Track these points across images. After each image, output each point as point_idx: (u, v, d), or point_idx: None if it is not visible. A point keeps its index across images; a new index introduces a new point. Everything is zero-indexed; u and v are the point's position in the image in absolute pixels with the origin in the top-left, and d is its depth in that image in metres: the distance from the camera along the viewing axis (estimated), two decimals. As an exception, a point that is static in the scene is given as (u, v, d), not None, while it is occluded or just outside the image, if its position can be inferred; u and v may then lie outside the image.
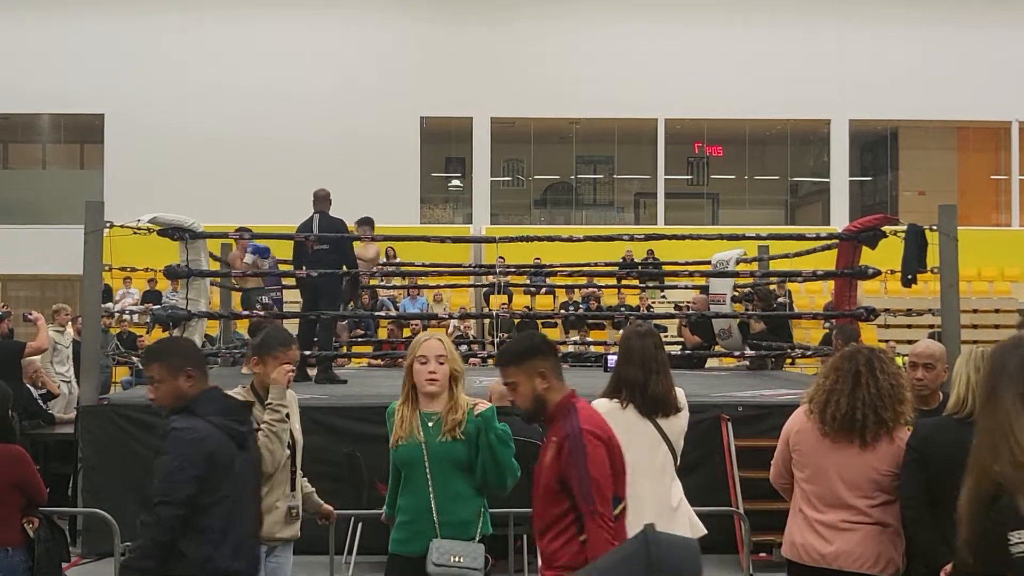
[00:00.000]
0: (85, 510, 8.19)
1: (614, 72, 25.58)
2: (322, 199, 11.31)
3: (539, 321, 19.69)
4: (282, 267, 12.99)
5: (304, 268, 10.87)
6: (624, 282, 18.19)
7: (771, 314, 13.00)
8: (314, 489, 5.60)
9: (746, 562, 7.55)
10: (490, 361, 11.45)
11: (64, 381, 13.12)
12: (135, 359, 15.46)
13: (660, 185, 27.08)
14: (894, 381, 4.47)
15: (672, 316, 13.97)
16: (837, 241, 11.34)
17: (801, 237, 12.11)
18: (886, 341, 17.89)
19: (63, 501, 8.99)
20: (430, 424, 4.64)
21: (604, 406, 5.08)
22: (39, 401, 10.75)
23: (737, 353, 12.58)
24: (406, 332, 18.04)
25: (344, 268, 10.87)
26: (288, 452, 5.03)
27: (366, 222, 12.53)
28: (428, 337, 4.60)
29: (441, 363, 4.51)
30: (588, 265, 14.13)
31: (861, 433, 4.43)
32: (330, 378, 10.81)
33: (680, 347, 13.73)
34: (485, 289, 19.33)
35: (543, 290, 21.29)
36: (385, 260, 19.85)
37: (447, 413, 4.56)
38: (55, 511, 7.24)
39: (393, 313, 18.02)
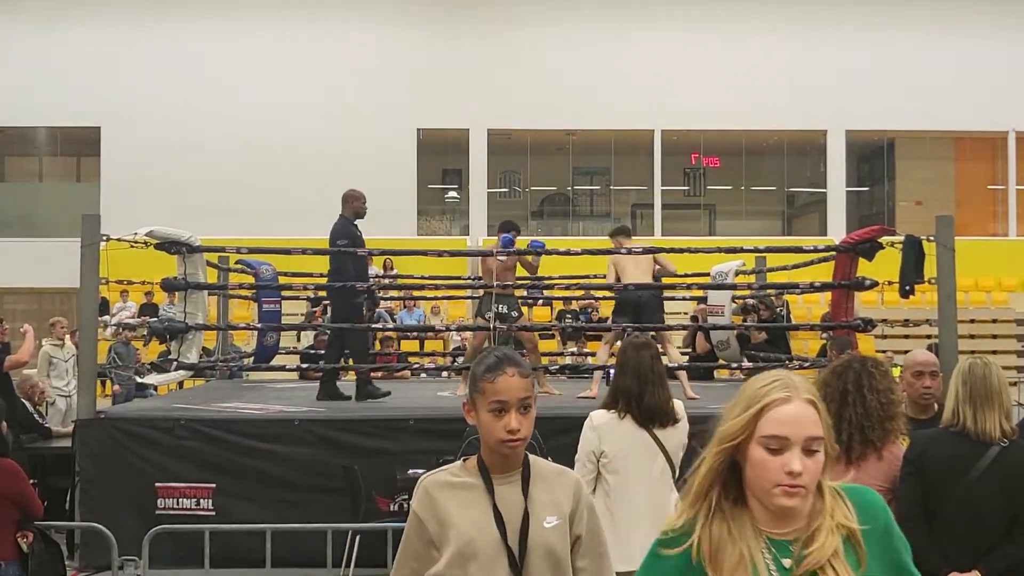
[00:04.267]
0: (82, 524, 8.17)
1: (610, 84, 25.63)
2: (342, 201, 10.81)
3: (536, 333, 19.66)
4: (283, 279, 12.98)
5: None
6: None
7: (769, 325, 13.01)
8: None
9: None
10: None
11: (61, 395, 13.11)
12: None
13: (657, 196, 27.11)
14: (884, 399, 4.39)
15: (671, 328, 13.97)
16: (834, 253, 11.33)
17: (799, 249, 12.11)
18: (884, 351, 17.89)
19: (61, 515, 8.98)
20: (785, 562, 2.32)
21: (602, 416, 5.10)
22: (35, 415, 10.73)
23: (735, 364, 12.58)
24: (405, 344, 18.02)
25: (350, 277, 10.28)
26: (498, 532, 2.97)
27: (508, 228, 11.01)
28: (784, 397, 2.28)
29: (814, 451, 2.27)
30: (585, 277, 14.10)
31: (846, 453, 4.38)
32: (369, 393, 10.30)
33: (688, 356, 13.76)
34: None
35: (540, 302, 21.28)
36: (382, 272, 19.87)
37: (814, 537, 2.31)
38: (52, 525, 7.23)
39: (391, 325, 18.00)
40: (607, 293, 16.84)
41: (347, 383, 11.08)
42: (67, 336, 13.43)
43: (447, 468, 3.07)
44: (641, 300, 10.52)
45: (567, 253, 11.58)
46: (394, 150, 25.57)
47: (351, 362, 10.89)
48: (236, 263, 13.06)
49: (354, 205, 10.63)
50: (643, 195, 28.21)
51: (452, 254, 13.50)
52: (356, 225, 10.60)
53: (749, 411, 2.28)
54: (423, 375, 14.99)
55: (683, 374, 10.79)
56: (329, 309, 18.61)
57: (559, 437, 7.78)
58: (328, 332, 11.55)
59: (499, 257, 10.63)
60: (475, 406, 3.04)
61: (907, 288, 9.83)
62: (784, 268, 12.97)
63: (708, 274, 13.02)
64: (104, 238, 9.14)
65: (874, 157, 28.90)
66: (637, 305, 10.52)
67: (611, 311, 11.34)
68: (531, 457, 3.10)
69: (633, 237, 11.60)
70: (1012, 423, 4.40)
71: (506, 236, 10.67)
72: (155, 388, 13.68)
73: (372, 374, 10.94)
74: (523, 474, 3.03)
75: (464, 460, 3.09)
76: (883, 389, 4.40)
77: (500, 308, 10.72)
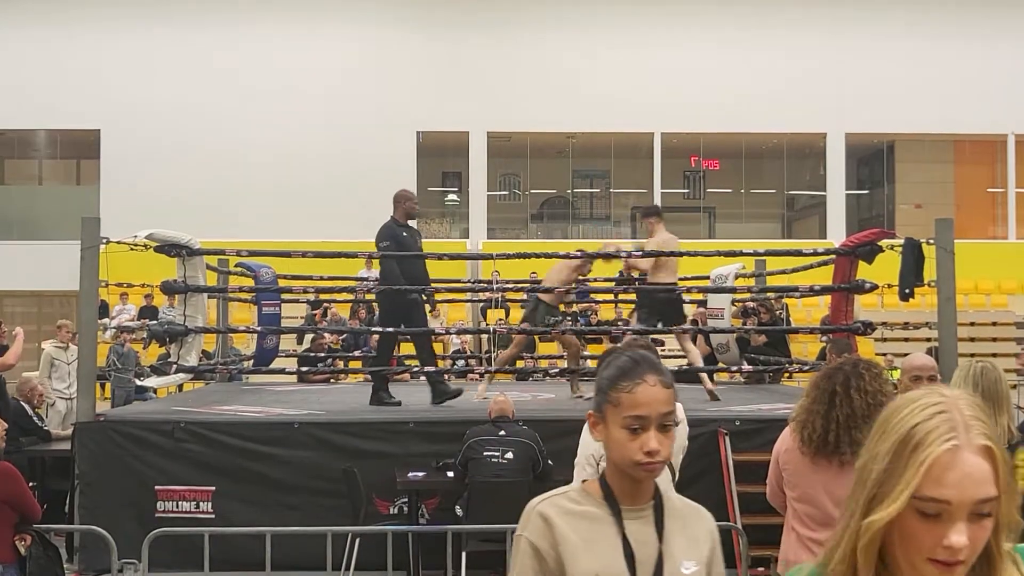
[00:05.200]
0: (82, 527, 8.17)
1: (610, 86, 25.63)
2: (393, 202, 10.50)
3: (536, 336, 19.63)
4: (283, 282, 12.97)
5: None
6: (621, 297, 18.19)
7: (769, 328, 13.01)
8: None
9: (744, 577, 7.53)
10: (488, 377, 11.40)
11: (61, 398, 13.11)
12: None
13: (656, 199, 27.00)
14: (872, 400, 4.34)
15: (670, 331, 13.97)
16: (834, 256, 11.34)
17: (798, 253, 12.12)
18: (884, 355, 17.89)
19: (60, 518, 8.97)
20: None
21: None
22: (35, 418, 10.72)
23: (735, 368, 12.58)
24: (404, 347, 17.96)
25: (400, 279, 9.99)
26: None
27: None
28: (950, 448, 1.65)
29: (984, 515, 1.67)
30: (585, 280, 14.10)
31: (838, 454, 4.36)
32: (442, 392, 10.15)
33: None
34: (482, 304, 19.31)
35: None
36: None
37: None
38: (52, 528, 7.22)
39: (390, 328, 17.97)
40: (607, 297, 16.88)
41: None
42: (71, 339, 13.42)
43: (563, 492, 2.54)
44: (672, 299, 10.77)
45: (567, 256, 11.59)
46: (394, 153, 25.54)
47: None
48: (236, 266, 13.06)
49: (405, 206, 10.35)
50: (643, 198, 28.15)
51: (452, 257, 13.47)
52: (407, 226, 10.32)
53: (906, 468, 1.66)
54: (423, 378, 14.96)
55: (703, 375, 10.91)
56: (329, 312, 18.69)
57: (559, 440, 7.79)
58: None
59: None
60: (605, 419, 2.49)
61: (907, 291, 9.84)
62: (784, 271, 12.98)
63: (708, 277, 13.04)
64: (104, 241, 9.15)
65: (874, 160, 28.90)
66: (670, 303, 10.70)
67: (647, 310, 11.23)
68: (662, 487, 2.56)
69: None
70: (1014, 427, 4.40)
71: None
72: (154, 391, 13.68)
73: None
74: (656, 507, 2.50)
75: (583, 483, 2.57)
76: (872, 391, 4.39)
77: (553, 317, 10.90)
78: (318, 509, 8.40)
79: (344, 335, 15.65)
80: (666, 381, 2.45)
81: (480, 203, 26.64)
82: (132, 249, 9.70)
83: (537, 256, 11.51)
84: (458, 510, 8.02)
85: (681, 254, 10.68)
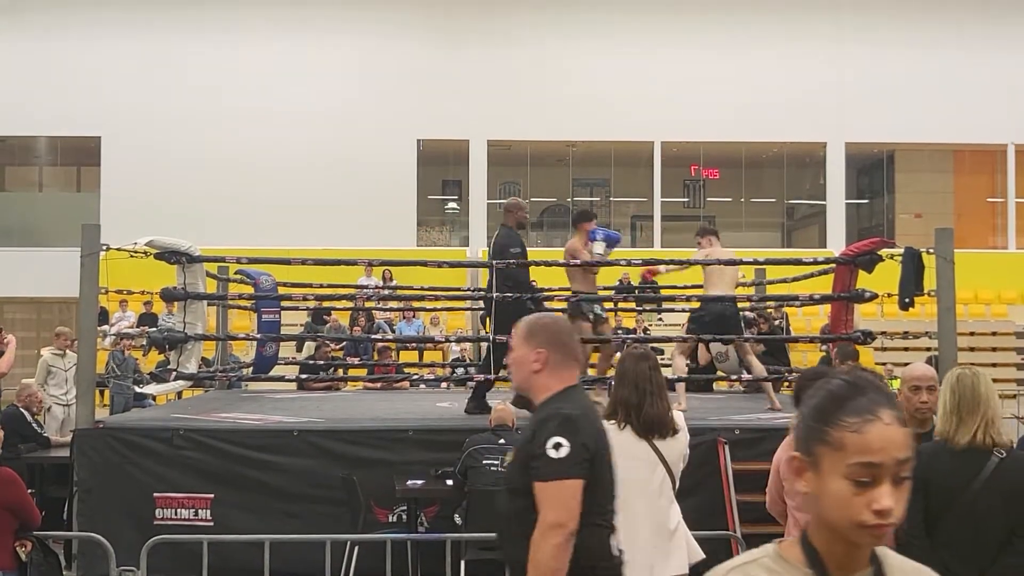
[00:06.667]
0: (80, 534, 8.15)
1: (610, 95, 25.64)
2: (505, 211, 10.47)
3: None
4: (282, 290, 12.96)
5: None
6: (620, 305, 18.19)
7: (769, 337, 13.00)
8: None
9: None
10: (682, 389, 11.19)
11: (58, 404, 13.11)
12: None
13: (656, 208, 27.10)
14: None
15: (670, 339, 13.98)
16: (834, 265, 11.35)
17: (798, 261, 12.13)
18: (883, 364, 17.89)
19: (59, 524, 8.96)
20: None
21: (602, 428, 5.08)
22: (34, 425, 10.72)
23: (734, 377, 12.57)
24: (404, 355, 18.01)
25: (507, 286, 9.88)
26: None
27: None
28: None
29: None
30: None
31: None
32: (483, 407, 9.84)
33: (690, 368, 13.72)
34: (482, 312, 19.29)
35: (540, 313, 21.27)
36: (382, 282, 19.86)
37: None
38: (50, 535, 7.21)
39: (390, 336, 18.01)
40: (608, 304, 16.85)
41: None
42: (69, 346, 13.42)
43: (756, 558, 1.98)
44: (726, 313, 10.47)
45: (566, 264, 11.59)
46: (394, 160, 25.57)
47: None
48: (236, 273, 13.06)
49: (517, 215, 10.33)
50: (643, 207, 28.21)
51: (452, 265, 13.50)
52: (519, 234, 10.32)
53: None
54: (422, 386, 14.98)
55: (680, 386, 10.69)
56: (330, 322, 18.62)
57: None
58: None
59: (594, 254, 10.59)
60: (817, 464, 1.92)
61: (907, 300, 9.84)
62: (784, 280, 12.98)
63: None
64: (104, 248, 9.14)
65: (874, 169, 28.91)
66: (723, 318, 10.44)
67: (689, 319, 11.08)
68: (879, 549, 1.97)
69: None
70: (999, 432, 4.36)
71: (611, 234, 10.70)
72: (154, 398, 13.67)
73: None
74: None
75: (779, 544, 2.01)
76: None
77: (597, 309, 10.77)
78: (317, 517, 8.39)
79: (343, 343, 15.65)
80: (902, 417, 1.91)
81: (480, 211, 26.63)
82: (132, 256, 9.70)
83: (537, 264, 11.50)
84: (457, 518, 8.02)
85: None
